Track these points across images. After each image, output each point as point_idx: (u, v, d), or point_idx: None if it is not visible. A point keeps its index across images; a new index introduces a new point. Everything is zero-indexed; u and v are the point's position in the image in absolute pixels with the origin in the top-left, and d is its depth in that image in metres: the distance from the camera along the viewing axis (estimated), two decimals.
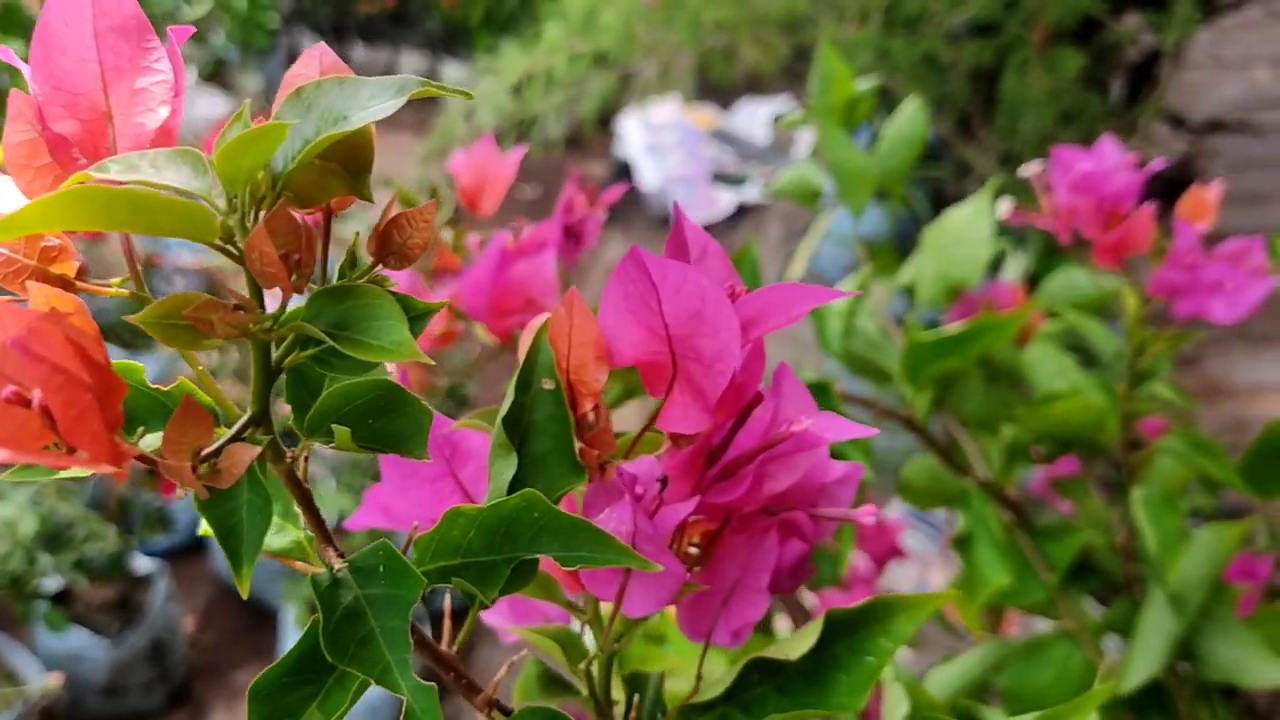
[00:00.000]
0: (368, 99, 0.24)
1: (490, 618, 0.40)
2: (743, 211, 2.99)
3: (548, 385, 0.33)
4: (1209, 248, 0.68)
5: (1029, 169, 0.69)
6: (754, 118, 3.20)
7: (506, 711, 0.31)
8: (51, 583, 1.81)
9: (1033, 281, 0.98)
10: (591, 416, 0.38)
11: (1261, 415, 2.21)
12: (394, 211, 0.26)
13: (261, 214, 0.23)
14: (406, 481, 0.36)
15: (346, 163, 0.25)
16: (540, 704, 0.31)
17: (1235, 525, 0.76)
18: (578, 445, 0.33)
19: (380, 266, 0.26)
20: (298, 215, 0.23)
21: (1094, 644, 0.78)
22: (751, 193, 2.93)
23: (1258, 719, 0.95)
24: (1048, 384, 0.79)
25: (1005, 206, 0.75)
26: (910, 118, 0.85)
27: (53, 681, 1.69)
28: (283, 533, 0.31)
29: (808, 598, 1.26)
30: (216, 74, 3.16)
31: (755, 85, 3.34)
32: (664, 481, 0.32)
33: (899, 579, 1.59)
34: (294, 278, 0.23)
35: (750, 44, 1.51)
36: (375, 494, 0.38)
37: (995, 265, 1.15)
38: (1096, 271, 0.80)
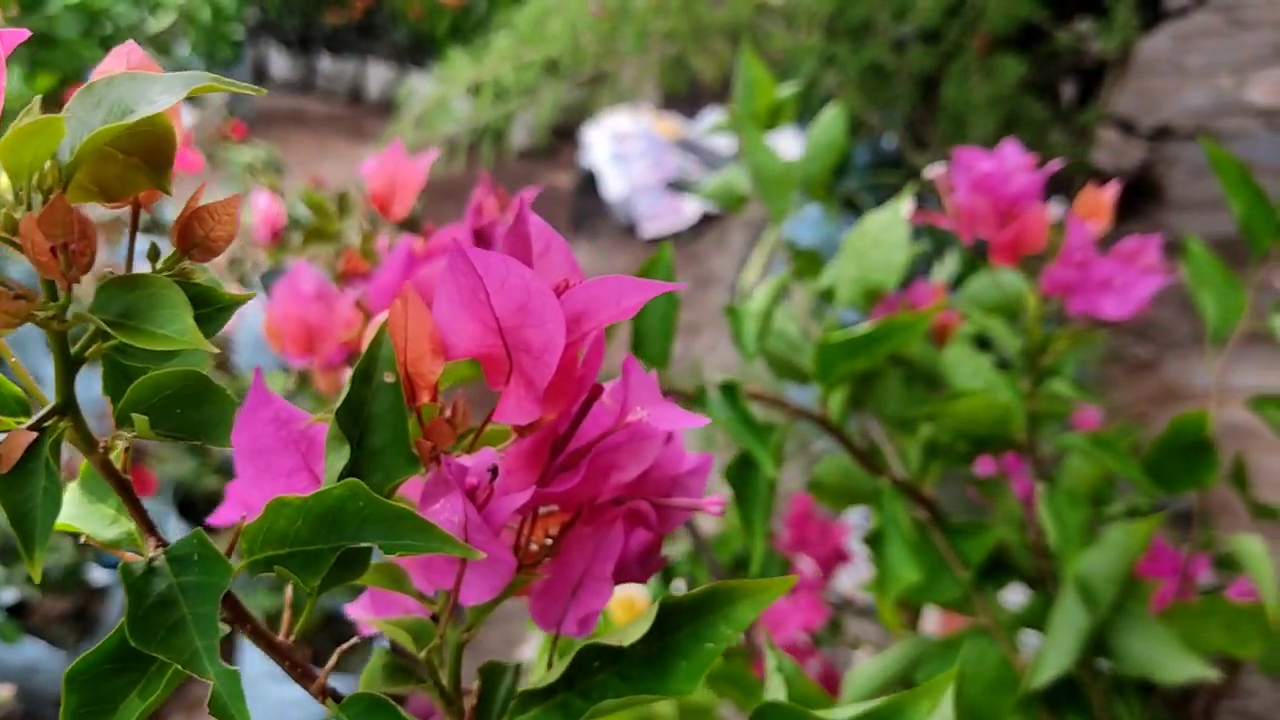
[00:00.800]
0: (156, 93, 0.24)
1: (354, 611, 0.41)
2: (707, 220, 3.00)
3: (388, 378, 0.34)
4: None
5: (933, 171, 0.70)
6: None
7: (340, 699, 0.32)
8: (6, 594, 1.80)
9: (959, 285, 0.99)
10: (449, 411, 0.39)
11: (1218, 419, 2.24)
12: (196, 204, 0.26)
13: None
14: (262, 476, 0.37)
15: (149, 157, 0.26)
16: (371, 691, 0.31)
17: (1145, 522, 0.77)
18: (414, 437, 0.34)
19: (185, 259, 0.27)
20: (77, 208, 0.23)
21: (1009, 640, 0.79)
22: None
23: (1177, 715, 0.96)
24: (965, 384, 0.80)
25: (907, 207, 0.76)
26: (830, 124, 0.86)
27: (5, 693, 1.68)
28: (115, 524, 0.32)
29: None
30: None
31: (720, 95, 3.36)
32: (494, 472, 0.33)
33: (852, 583, 1.60)
34: (71, 269, 0.23)
35: (697, 53, 1.52)
36: (235, 489, 0.39)
37: (926, 269, 1.16)
38: (1013, 274, 0.81)
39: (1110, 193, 0.68)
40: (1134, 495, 1.14)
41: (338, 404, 0.33)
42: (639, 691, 0.35)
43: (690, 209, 2.96)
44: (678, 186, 2.28)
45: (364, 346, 0.35)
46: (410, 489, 0.36)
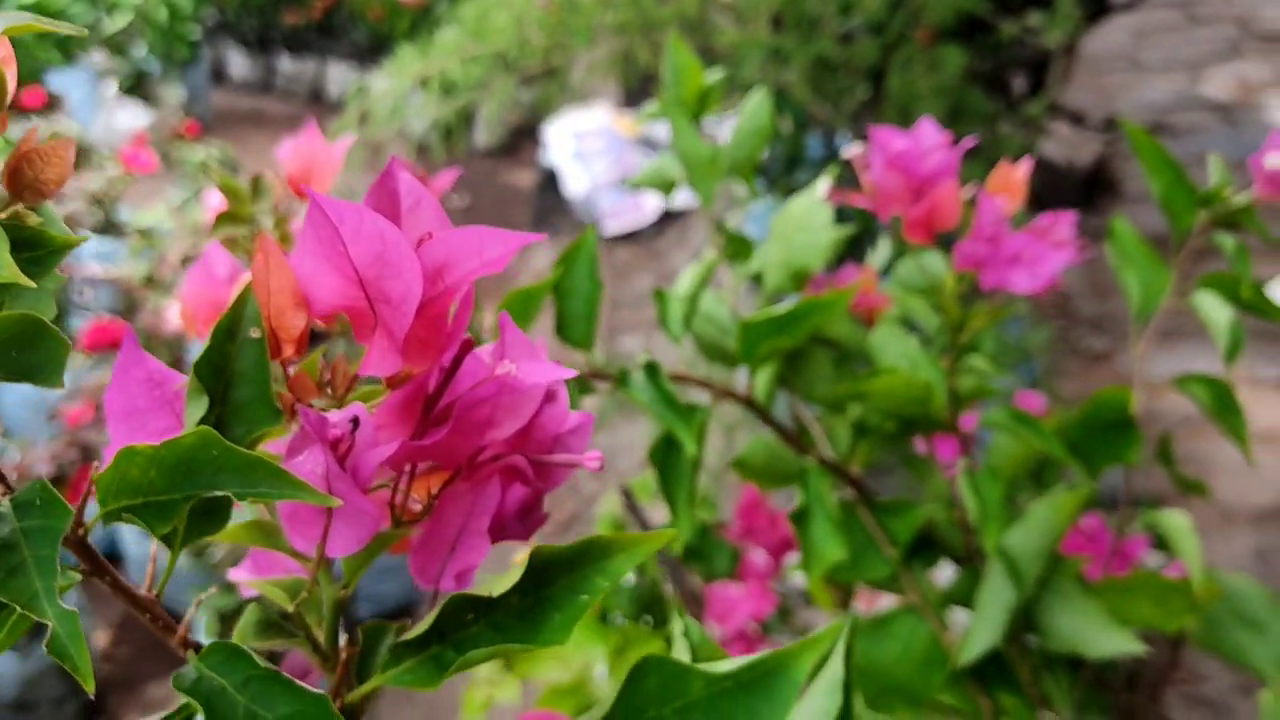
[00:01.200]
0: None
1: (238, 574, 0.41)
2: (669, 217, 3.01)
3: (254, 334, 0.34)
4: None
5: (850, 150, 0.71)
6: None
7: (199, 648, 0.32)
8: None
9: (891, 271, 1.00)
10: (328, 373, 0.39)
11: (1171, 408, 2.26)
12: (27, 147, 0.26)
13: None
14: (134, 436, 0.37)
15: None
16: (228, 641, 0.32)
17: (1070, 497, 0.78)
18: (276, 390, 0.34)
19: (18, 204, 0.27)
20: None
21: (938, 617, 0.79)
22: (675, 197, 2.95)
23: (1123, 696, 0.97)
24: (891, 364, 0.81)
25: (823, 187, 0.76)
26: (756, 110, 0.86)
27: None
28: None
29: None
30: (138, 86, 3.14)
31: None
32: (355, 423, 0.33)
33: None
34: None
35: (645, 47, 1.52)
36: (112, 450, 0.39)
37: (859, 257, 1.17)
38: (938, 258, 0.82)
39: (1023, 170, 0.69)
40: (1077, 479, 1.15)
41: (196, 357, 0.33)
42: (512, 642, 0.35)
43: (651, 206, 2.96)
44: (633, 183, 2.29)
45: (229, 302, 0.35)
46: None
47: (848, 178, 1.00)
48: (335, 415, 0.33)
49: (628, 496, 1.29)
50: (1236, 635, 0.89)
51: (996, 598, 0.76)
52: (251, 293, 0.35)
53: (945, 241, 0.76)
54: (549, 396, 0.38)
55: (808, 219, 0.81)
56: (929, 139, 0.69)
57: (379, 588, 1.89)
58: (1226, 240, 0.81)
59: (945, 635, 0.79)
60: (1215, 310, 0.80)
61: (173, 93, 3.08)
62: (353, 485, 0.32)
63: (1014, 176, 0.67)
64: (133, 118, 2.97)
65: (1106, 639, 0.78)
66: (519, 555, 0.42)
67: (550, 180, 3.08)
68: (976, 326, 0.69)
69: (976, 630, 0.77)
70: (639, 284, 2.80)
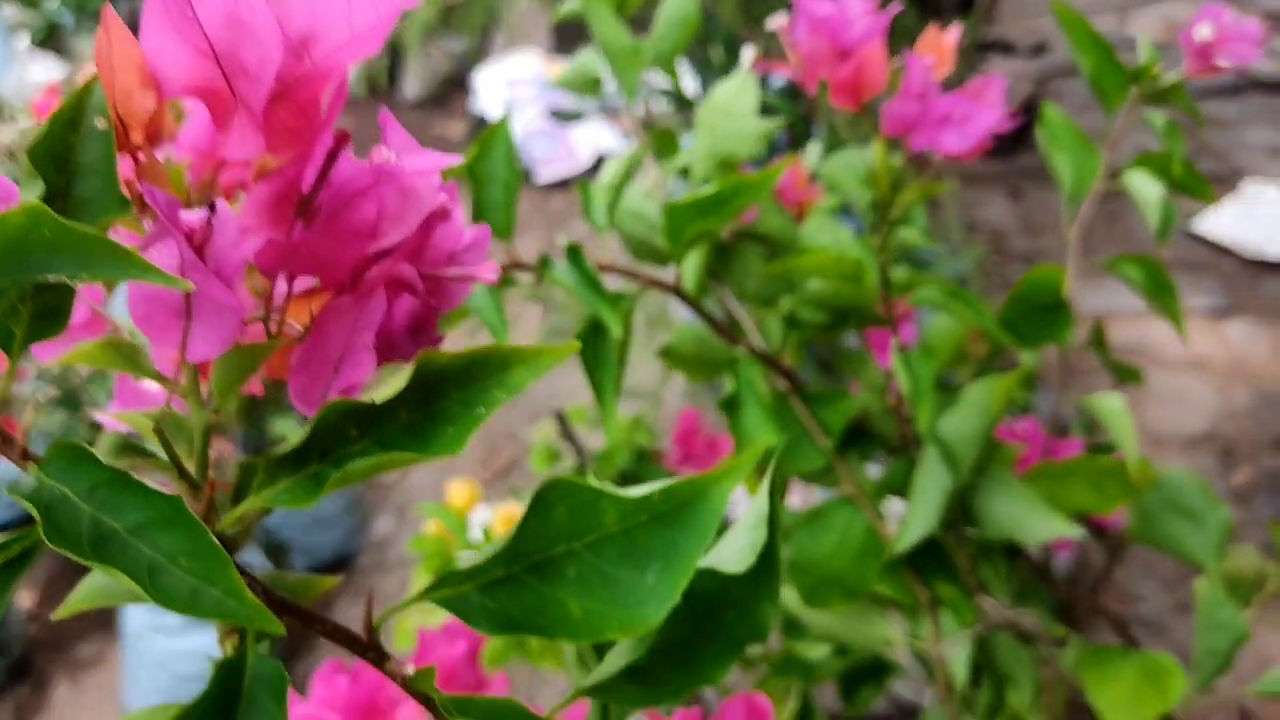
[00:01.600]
0: None
1: (102, 415, 0.37)
2: (602, 163, 2.97)
3: (100, 124, 0.31)
4: None
5: (775, 21, 0.68)
6: None
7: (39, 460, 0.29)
8: None
9: None
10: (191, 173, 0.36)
11: (1110, 340, 2.29)
12: None
13: None
14: None
15: None
16: (74, 443, 0.28)
17: (1004, 377, 0.77)
18: (122, 179, 0.30)
19: None
20: None
21: (873, 507, 0.78)
22: (606, 140, 2.91)
23: (1047, 581, 0.97)
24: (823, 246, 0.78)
25: (749, 56, 0.74)
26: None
27: None
28: None
29: None
30: (51, 39, 3.02)
31: None
32: (212, 208, 0.29)
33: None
34: None
35: None
36: None
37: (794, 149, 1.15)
38: (871, 151, 0.79)
39: (953, 37, 0.66)
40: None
41: (32, 145, 0.30)
42: (400, 452, 0.32)
43: (585, 153, 2.92)
44: (560, 116, 2.24)
45: (72, 90, 0.31)
46: None
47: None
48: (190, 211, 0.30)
49: (562, 421, 1.26)
50: (1173, 525, 0.89)
51: (932, 483, 0.75)
52: (97, 83, 0.31)
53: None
54: (441, 214, 0.36)
55: (734, 105, 0.78)
56: (855, 5, 0.66)
57: (313, 539, 1.85)
58: (1156, 118, 0.80)
59: (881, 526, 0.78)
60: (1147, 188, 0.79)
61: (87, 46, 2.97)
62: (211, 275, 0.29)
63: (943, 40, 0.65)
64: (46, 71, 2.86)
65: (1043, 524, 0.77)
66: None
67: (481, 128, 3.02)
68: (907, 202, 0.67)
69: (913, 517, 0.75)
70: (574, 231, 2.77)
